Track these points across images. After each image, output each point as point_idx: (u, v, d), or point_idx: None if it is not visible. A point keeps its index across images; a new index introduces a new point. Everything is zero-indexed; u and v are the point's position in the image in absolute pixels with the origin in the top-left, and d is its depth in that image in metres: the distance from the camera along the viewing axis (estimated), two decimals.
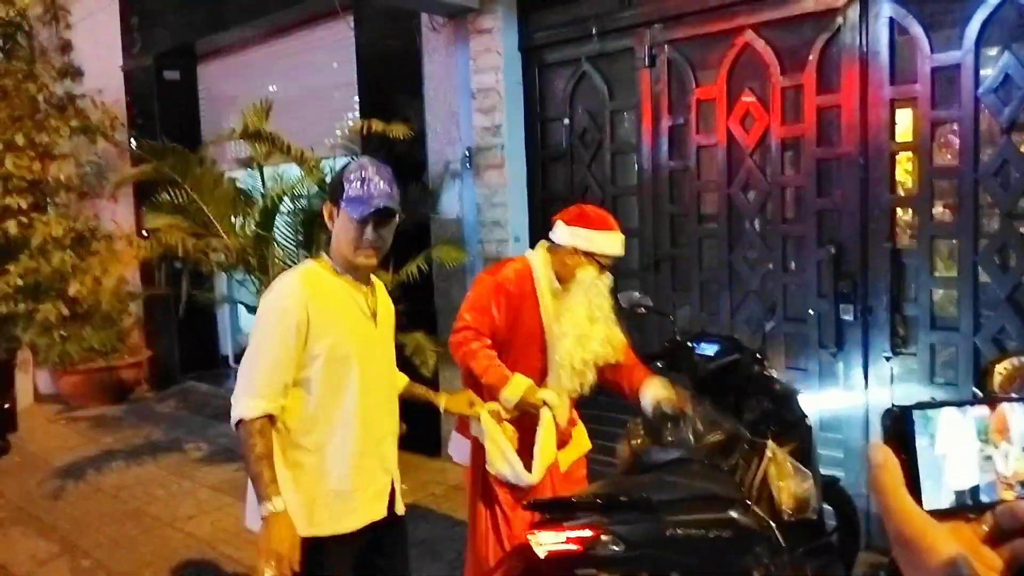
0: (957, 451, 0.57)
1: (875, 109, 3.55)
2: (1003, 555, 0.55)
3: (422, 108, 5.15)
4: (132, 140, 7.31)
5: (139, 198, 6.86)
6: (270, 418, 2.10)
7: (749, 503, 2.55)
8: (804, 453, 2.89)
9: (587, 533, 2.06)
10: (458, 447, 2.95)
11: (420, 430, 4.14)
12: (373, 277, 2.34)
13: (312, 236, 4.81)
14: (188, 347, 7.49)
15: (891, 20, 3.47)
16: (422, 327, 4.74)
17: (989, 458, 0.58)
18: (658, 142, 4.30)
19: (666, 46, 4.21)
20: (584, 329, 2.69)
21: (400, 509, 2.33)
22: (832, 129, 3.70)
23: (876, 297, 3.62)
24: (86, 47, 8.23)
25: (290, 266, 4.90)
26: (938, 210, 3.51)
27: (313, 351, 2.12)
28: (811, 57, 3.70)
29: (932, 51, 3.37)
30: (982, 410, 0.58)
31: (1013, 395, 0.61)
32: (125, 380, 7.36)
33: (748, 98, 3.95)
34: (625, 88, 4.45)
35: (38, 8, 8.75)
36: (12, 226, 6.89)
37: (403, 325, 4.54)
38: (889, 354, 3.59)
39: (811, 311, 3.81)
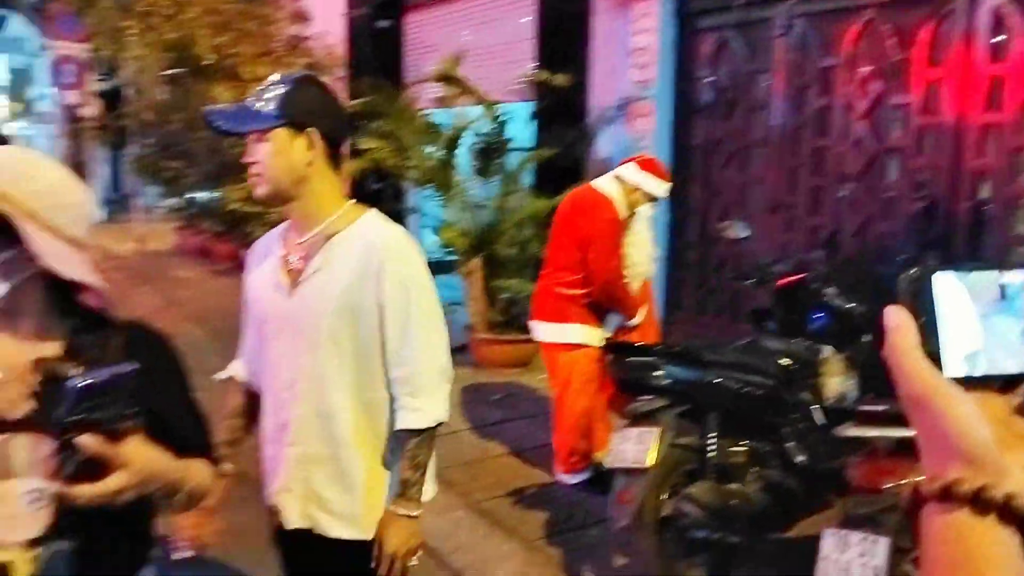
0: (992, 320, 0.55)
1: (975, 83, 4.05)
2: None
3: (587, 61, 6.01)
4: (349, 77, 8.66)
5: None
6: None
7: (791, 381, 3.30)
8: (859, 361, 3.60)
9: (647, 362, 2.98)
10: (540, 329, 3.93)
11: None
12: (353, 235, 1.77)
13: (487, 165, 5.86)
14: None
15: (995, 8, 3.95)
16: None
17: None
18: (784, 103, 4.94)
19: (800, 19, 4.82)
20: (650, 251, 3.77)
21: (328, 530, 1.82)
22: (936, 99, 4.23)
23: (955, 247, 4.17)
24: None
25: (464, 186, 6.00)
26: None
27: None
28: (922, 35, 4.23)
29: None
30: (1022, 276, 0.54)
31: None
32: None
33: (866, 68, 4.52)
34: (762, 53, 5.09)
35: None
36: None
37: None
38: None
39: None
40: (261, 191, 1.73)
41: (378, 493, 1.83)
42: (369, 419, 1.81)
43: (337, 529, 1.81)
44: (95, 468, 1.07)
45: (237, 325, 2.04)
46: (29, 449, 1.18)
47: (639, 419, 3.04)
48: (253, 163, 1.72)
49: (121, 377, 1.08)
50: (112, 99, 15.36)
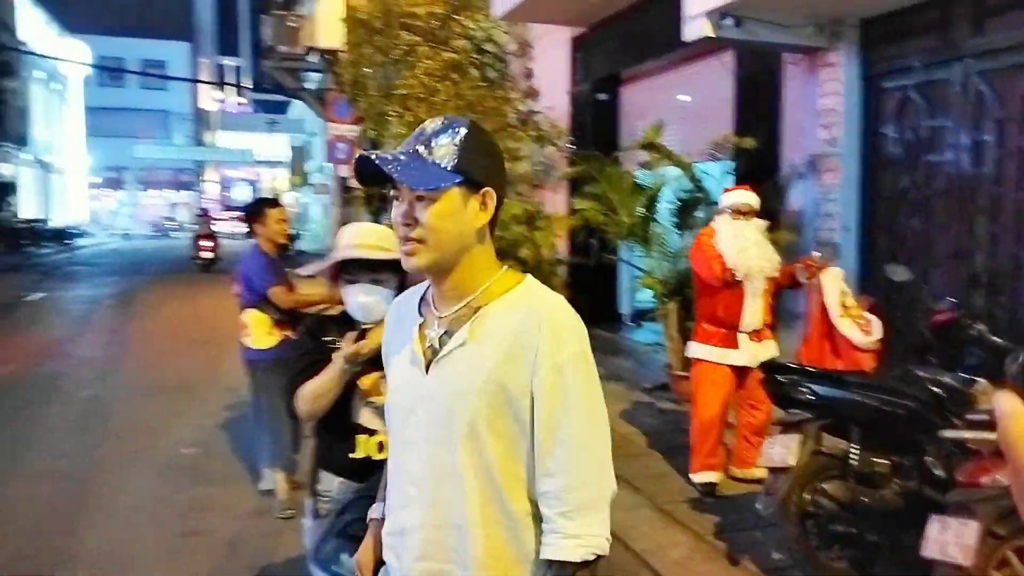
0: None
1: None
2: None
3: (779, 123, 6.61)
4: (570, 147, 9.80)
5: (571, 189, 9.28)
6: None
7: (938, 403, 3.68)
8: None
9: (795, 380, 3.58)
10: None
11: None
12: (506, 305, 1.46)
13: (684, 219, 6.62)
14: (596, 300, 9.74)
15: None
16: None
17: None
18: (963, 155, 5.25)
19: (975, 76, 5.15)
20: (748, 245, 4.61)
21: None
22: None
23: None
24: (543, 74, 10.98)
25: (663, 239, 6.79)
26: None
27: None
28: None
29: None
30: None
31: None
32: None
33: None
34: (941, 109, 5.44)
35: (512, 45, 11.86)
36: None
37: None
38: None
39: None
40: (421, 260, 1.42)
41: None
42: (509, 537, 1.46)
43: None
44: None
45: None
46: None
47: (787, 428, 3.65)
48: (410, 225, 1.42)
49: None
50: None
